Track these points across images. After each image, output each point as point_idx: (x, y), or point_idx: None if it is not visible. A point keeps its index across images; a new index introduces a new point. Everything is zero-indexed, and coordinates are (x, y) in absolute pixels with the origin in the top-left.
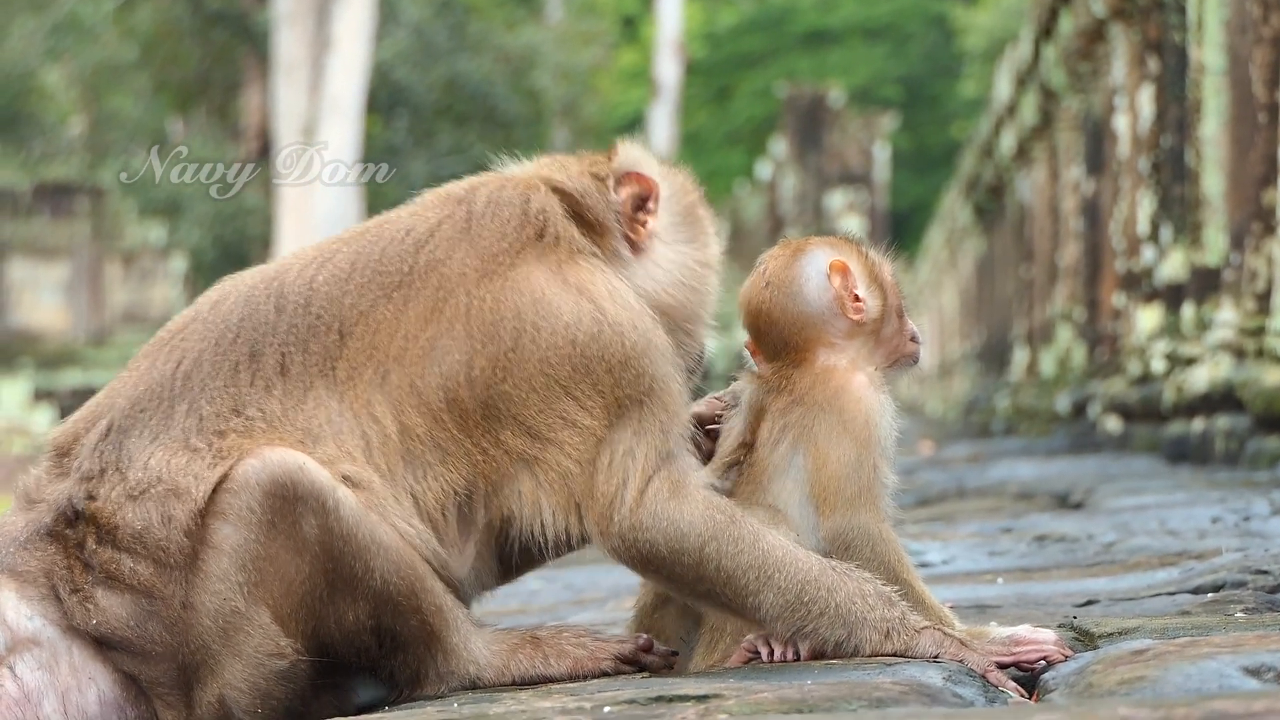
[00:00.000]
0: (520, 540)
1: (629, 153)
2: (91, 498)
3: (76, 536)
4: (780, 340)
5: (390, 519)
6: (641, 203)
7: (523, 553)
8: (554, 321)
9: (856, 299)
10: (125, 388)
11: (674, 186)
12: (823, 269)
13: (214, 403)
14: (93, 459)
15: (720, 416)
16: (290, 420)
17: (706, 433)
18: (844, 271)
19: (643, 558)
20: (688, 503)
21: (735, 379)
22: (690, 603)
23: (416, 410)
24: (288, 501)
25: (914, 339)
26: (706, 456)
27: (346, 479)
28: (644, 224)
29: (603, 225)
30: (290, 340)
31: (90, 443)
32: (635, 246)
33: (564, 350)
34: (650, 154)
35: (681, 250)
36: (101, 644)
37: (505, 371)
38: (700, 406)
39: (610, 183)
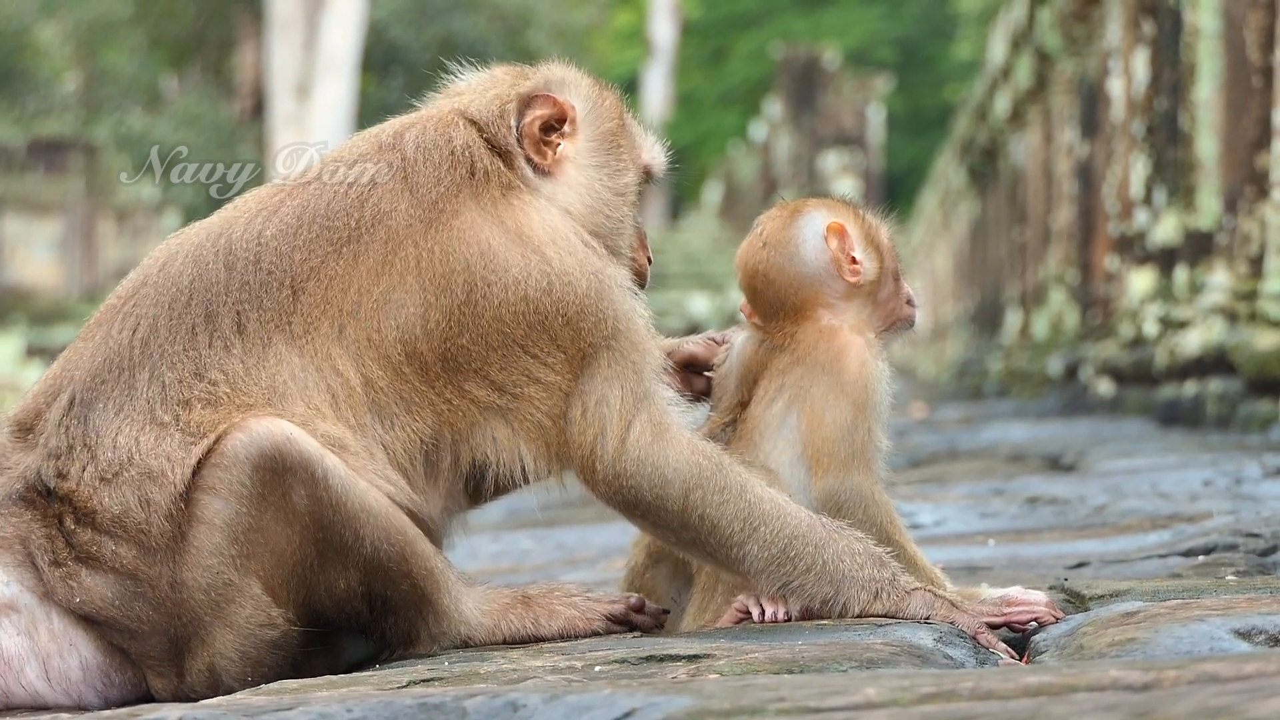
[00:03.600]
0: (497, 481)
1: (545, 74)
2: (62, 476)
3: (53, 510)
4: (777, 301)
5: (371, 478)
6: (557, 125)
7: (498, 488)
8: (503, 276)
9: (853, 261)
10: (83, 359)
11: (595, 109)
12: (820, 230)
13: (175, 368)
14: (59, 435)
15: (715, 363)
16: (254, 379)
17: (700, 374)
18: (841, 233)
19: (627, 503)
20: (672, 447)
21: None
22: (678, 551)
23: (376, 363)
24: (277, 473)
25: (910, 302)
26: (698, 395)
27: (326, 440)
28: (554, 147)
29: (507, 152)
30: (244, 298)
31: (54, 418)
32: (540, 169)
33: (517, 307)
34: (578, 74)
35: (593, 175)
36: (86, 620)
37: (461, 326)
38: (697, 348)
39: (513, 106)
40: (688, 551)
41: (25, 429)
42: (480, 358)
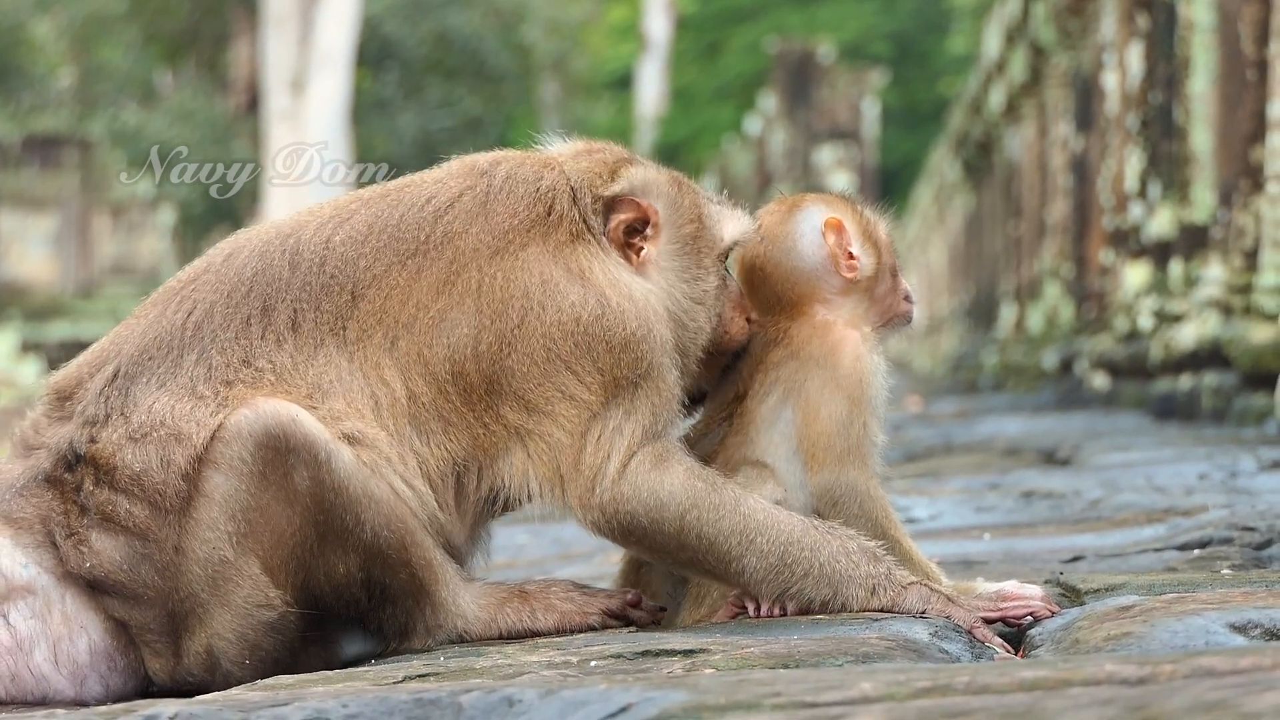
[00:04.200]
0: (506, 504)
1: (629, 177)
2: (93, 441)
3: (74, 480)
4: (774, 296)
5: (389, 476)
6: (639, 228)
7: (505, 509)
8: (560, 301)
9: (850, 256)
10: (133, 335)
11: (675, 211)
12: (817, 226)
13: (224, 353)
14: (98, 404)
15: None
16: (300, 374)
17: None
18: (838, 229)
19: (623, 529)
20: (668, 473)
21: None
22: (676, 571)
23: (423, 378)
24: (279, 453)
25: (907, 298)
26: (699, 396)
27: (350, 435)
28: (638, 250)
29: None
30: (303, 297)
31: (96, 387)
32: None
33: (568, 327)
34: (657, 172)
35: (673, 280)
36: (94, 588)
37: (510, 347)
38: None
39: (600, 206)
40: (684, 570)
41: (64, 397)
42: (521, 375)
